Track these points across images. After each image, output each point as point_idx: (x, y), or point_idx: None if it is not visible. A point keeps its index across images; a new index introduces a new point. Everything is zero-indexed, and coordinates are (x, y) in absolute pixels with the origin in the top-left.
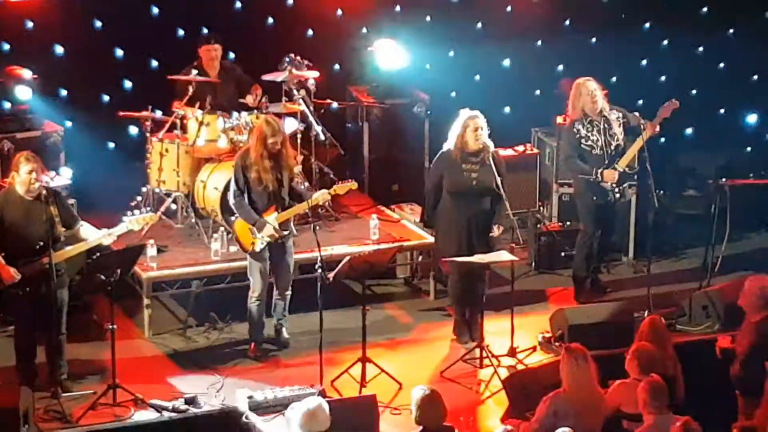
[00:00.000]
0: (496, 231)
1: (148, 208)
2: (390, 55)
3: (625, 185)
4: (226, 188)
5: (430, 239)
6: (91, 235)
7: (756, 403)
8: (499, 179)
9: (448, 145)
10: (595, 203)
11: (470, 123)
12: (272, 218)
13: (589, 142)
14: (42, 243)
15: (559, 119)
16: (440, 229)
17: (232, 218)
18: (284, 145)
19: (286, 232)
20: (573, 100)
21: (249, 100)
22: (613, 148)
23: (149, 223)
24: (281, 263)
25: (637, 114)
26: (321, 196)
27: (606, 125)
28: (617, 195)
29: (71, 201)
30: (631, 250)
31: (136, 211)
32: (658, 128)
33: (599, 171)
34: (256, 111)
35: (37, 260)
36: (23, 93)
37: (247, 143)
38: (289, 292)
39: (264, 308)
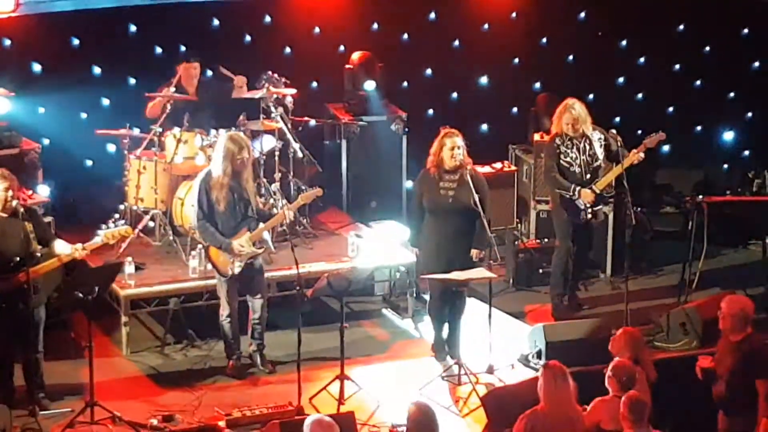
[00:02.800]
0: (474, 255)
1: (123, 221)
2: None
3: (599, 207)
4: None
5: (409, 257)
6: (65, 250)
7: (740, 421)
8: (476, 197)
9: (427, 164)
10: (569, 220)
11: (447, 141)
12: (245, 239)
13: (568, 159)
14: (17, 259)
15: (537, 136)
16: (422, 247)
17: (205, 243)
18: (248, 163)
19: (261, 250)
20: (557, 116)
21: (238, 81)
22: (592, 167)
23: (124, 236)
24: (252, 278)
25: (614, 132)
26: (287, 209)
27: (587, 144)
28: (589, 215)
29: (48, 218)
30: (608, 267)
31: (111, 225)
32: (641, 157)
33: (577, 189)
34: (233, 128)
35: (12, 276)
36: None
37: (206, 164)
38: (264, 313)
39: (237, 325)
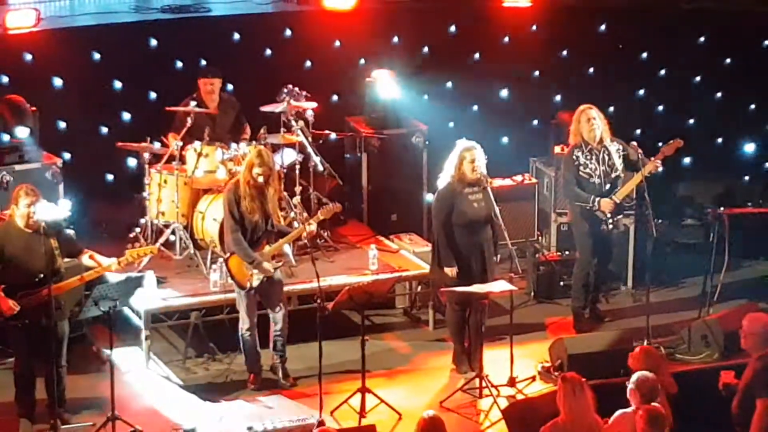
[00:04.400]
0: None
1: (148, 242)
2: (388, 85)
3: (619, 217)
4: None
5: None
6: (91, 265)
7: None
8: (497, 209)
9: (446, 178)
10: (589, 232)
11: (467, 155)
12: (264, 253)
13: (588, 170)
14: (42, 275)
15: (557, 149)
16: (457, 261)
17: (225, 256)
18: (271, 180)
19: (279, 264)
20: (573, 126)
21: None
22: (611, 178)
23: (149, 255)
24: (273, 295)
25: (635, 144)
26: (306, 225)
27: (605, 155)
28: (610, 226)
29: (71, 232)
30: (629, 280)
31: (137, 244)
32: (659, 165)
33: (596, 200)
34: (254, 142)
35: (36, 292)
36: (22, 132)
37: (229, 181)
38: (284, 325)
39: (257, 338)
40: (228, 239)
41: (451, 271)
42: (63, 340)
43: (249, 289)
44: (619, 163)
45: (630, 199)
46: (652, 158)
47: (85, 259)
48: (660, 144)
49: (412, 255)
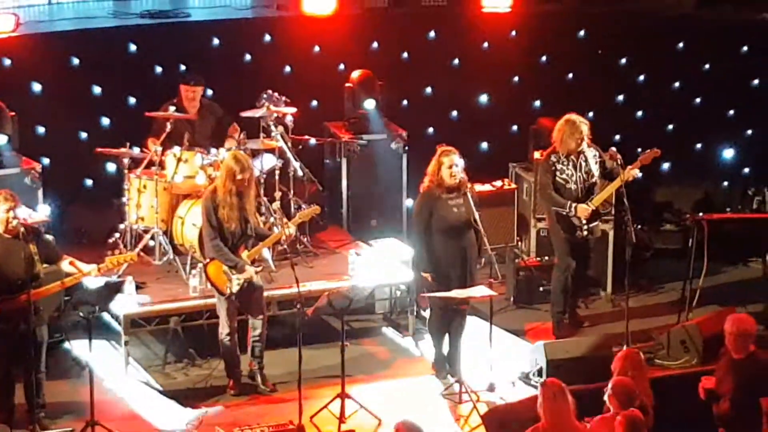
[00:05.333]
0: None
1: (127, 247)
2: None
3: (595, 223)
4: None
5: (409, 274)
6: (71, 271)
7: None
8: (476, 214)
9: (426, 183)
10: (566, 237)
11: (444, 160)
12: (243, 257)
13: (564, 176)
14: (21, 281)
15: (537, 155)
16: (437, 266)
17: (204, 262)
18: (251, 182)
19: (259, 269)
20: (559, 133)
21: (231, 144)
22: (588, 184)
23: (128, 261)
24: (251, 300)
25: (614, 149)
26: (286, 228)
27: (582, 161)
28: (585, 232)
29: (50, 237)
30: (609, 285)
31: (116, 250)
32: (636, 174)
33: (573, 205)
34: (234, 147)
35: (15, 298)
36: (0, 139)
37: (206, 184)
38: (264, 331)
39: (237, 344)
40: (208, 246)
41: (427, 276)
42: (42, 346)
43: (229, 295)
44: (595, 169)
45: (608, 204)
46: (629, 167)
47: (65, 265)
48: (639, 150)
49: (391, 260)
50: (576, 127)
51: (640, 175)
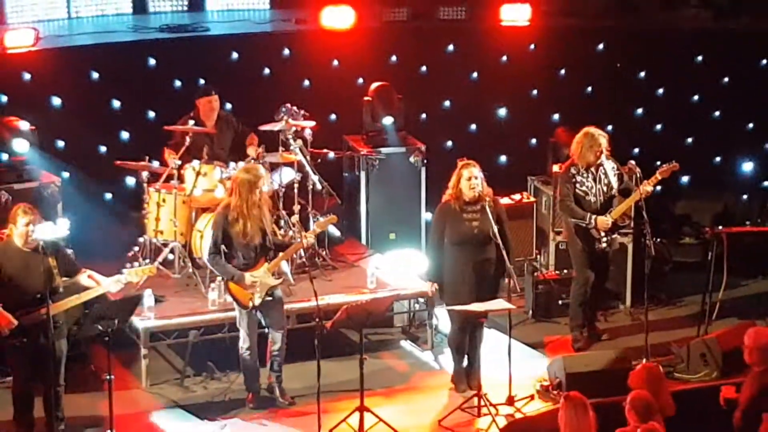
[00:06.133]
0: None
1: (147, 260)
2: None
3: (614, 236)
4: None
5: (427, 288)
6: (90, 284)
7: None
8: (495, 228)
9: (446, 196)
10: (584, 249)
11: (464, 172)
12: (262, 270)
13: (584, 188)
14: (40, 294)
15: (556, 168)
16: (447, 281)
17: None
18: (263, 193)
19: (279, 281)
20: (578, 146)
21: (251, 152)
22: (607, 196)
23: (148, 274)
24: (272, 312)
25: (633, 163)
26: (306, 239)
27: (602, 174)
28: (604, 244)
29: (69, 251)
30: (628, 298)
31: (135, 263)
32: (651, 189)
33: (593, 217)
34: (252, 161)
35: (35, 311)
36: (20, 146)
37: (225, 198)
38: (283, 344)
39: (257, 357)
40: (205, 258)
41: (431, 287)
42: (61, 360)
43: (251, 308)
44: (614, 182)
45: (626, 217)
46: (647, 180)
47: (83, 279)
48: (658, 163)
49: (410, 273)
50: (595, 139)
51: (659, 188)
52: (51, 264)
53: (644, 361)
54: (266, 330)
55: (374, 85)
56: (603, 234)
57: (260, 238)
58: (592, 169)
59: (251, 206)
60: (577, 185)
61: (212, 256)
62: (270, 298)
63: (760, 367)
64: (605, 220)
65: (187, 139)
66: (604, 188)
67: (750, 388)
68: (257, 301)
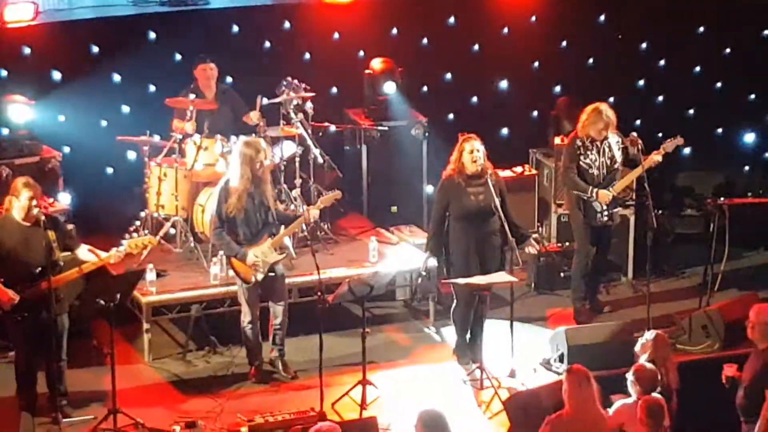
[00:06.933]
0: (533, 248)
1: (146, 232)
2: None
3: (616, 209)
4: None
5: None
6: (88, 257)
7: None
8: (497, 201)
9: (448, 171)
10: (585, 222)
11: (466, 146)
12: (266, 246)
13: (588, 161)
14: (40, 268)
15: (557, 140)
16: (452, 254)
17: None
18: (265, 167)
19: (283, 256)
20: (588, 122)
21: (253, 116)
22: (611, 170)
23: (148, 246)
24: (273, 288)
25: (635, 134)
26: (310, 212)
27: (606, 147)
28: (605, 218)
29: (70, 226)
30: (630, 270)
31: (135, 234)
32: (659, 160)
33: (595, 190)
34: (254, 134)
35: (36, 285)
36: (20, 115)
37: (225, 173)
38: (285, 318)
39: (258, 331)
40: (211, 235)
41: (426, 262)
42: (63, 334)
43: (253, 283)
44: (618, 155)
45: (629, 190)
46: (651, 154)
47: (82, 252)
48: (660, 134)
49: (412, 247)
50: (600, 117)
51: (660, 160)
52: (51, 238)
53: (646, 332)
54: (267, 304)
55: (376, 59)
56: (605, 207)
57: (262, 214)
58: (597, 142)
59: (241, 179)
60: (582, 157)
61: (217, 231)
62: (272, 273)
63: (763, 344)
64: (606, 194)
65: (188, 113)
66: (608, 161)
67: (753, 366)
68: (259, 277)
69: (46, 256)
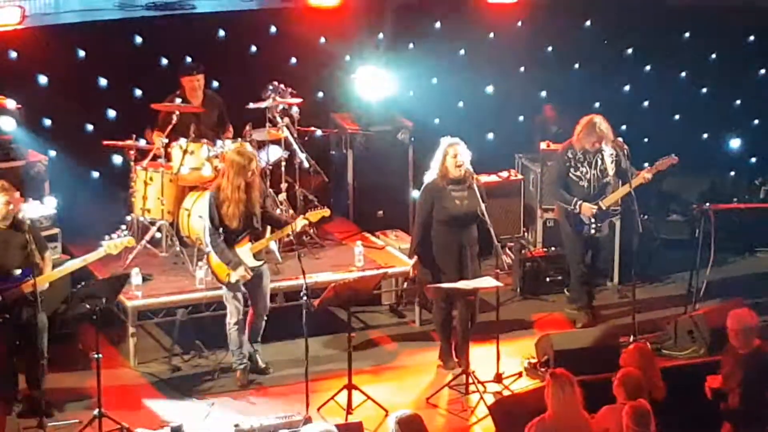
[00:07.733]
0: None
1: (125, 232)
2: (373, 83)
3: (603, 222)
4: None
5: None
6: (67, 263)
7: None
8: (483, 206)
9: (431, 175)
10: (573, 232)
11: (449, 150)
12: (246, 249)
13: (578, 173)
14: (19, 270)
15: (543, 145)
16: (434, 258)
17: (206, 250)
18: (256, 174)
19: (261, 263)
20: (582, 133)
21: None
22: (601, 183)
23: (127, 247)
24: (258, 289)
25: (620, 140)
26: (296, 223)
27: (599, 159)
28: (593, 230)
29: (55, 230)
30: (616, 276)
31: (113, 236)
32: (649, 178)
33: (578, 203)
34: (240, 139)
35: (15, 287)
36: (7, 124)
37: (215, 178)
38: (261, 321)
39: (244, 332)
40: (207, 241)
41: (413, 264)
42: (43, 332)
43: (234, 284)
44: (611, 168)
45: (616, 204)
46: (644, 170)
47: (51, 255)
48: (646, 140)
49: (398, 251)
50: (593, 129)
51: (650, 178)
52: (29, 240)
53: (632, 338)
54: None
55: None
56: (591, 220)
57: (245, 221)
58: (589, 154)
59: (235, 189)
60: (572, 169)
61: (213, 239)
62: (255, 275)
63: (744, 349)
64: (590, 207)
65: (174, 118)
66: (599, 174)
67: (741, 372)
68: (233, 279)
69: (24, 258)
